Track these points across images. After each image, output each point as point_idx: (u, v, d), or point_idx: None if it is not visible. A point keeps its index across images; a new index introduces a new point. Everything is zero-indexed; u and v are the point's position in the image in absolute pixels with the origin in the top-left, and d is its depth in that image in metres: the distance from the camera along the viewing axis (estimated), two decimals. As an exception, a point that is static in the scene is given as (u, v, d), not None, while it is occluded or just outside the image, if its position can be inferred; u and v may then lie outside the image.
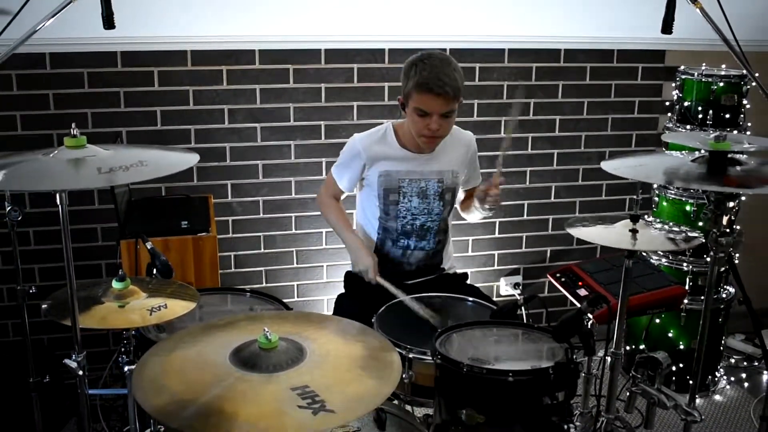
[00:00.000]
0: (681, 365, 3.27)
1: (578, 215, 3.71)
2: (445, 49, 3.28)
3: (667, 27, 1.90)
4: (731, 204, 3.04)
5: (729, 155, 1.86)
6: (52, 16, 1.81)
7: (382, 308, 2.32)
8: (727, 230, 1.75)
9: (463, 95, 2.44)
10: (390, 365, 1.55)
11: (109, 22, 1.85)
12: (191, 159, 1.79)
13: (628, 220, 2.17)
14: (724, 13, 1.93)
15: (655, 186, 3.38)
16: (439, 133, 2.47)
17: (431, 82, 2.35)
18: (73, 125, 1.70)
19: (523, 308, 2.07)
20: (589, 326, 1.79)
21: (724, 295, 3.34)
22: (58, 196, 1.65)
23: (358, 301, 2.59)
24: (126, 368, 1.95)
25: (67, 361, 1.74)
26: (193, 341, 1.67)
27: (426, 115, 2.41)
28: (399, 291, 2.41)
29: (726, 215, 1.76)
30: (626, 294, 2.20)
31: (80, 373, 1.73)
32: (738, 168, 1.93)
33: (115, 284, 1.96)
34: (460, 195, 2.78)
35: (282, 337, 1.56)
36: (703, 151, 2.00)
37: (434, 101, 2.38)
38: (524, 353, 1.97)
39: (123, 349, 2.01)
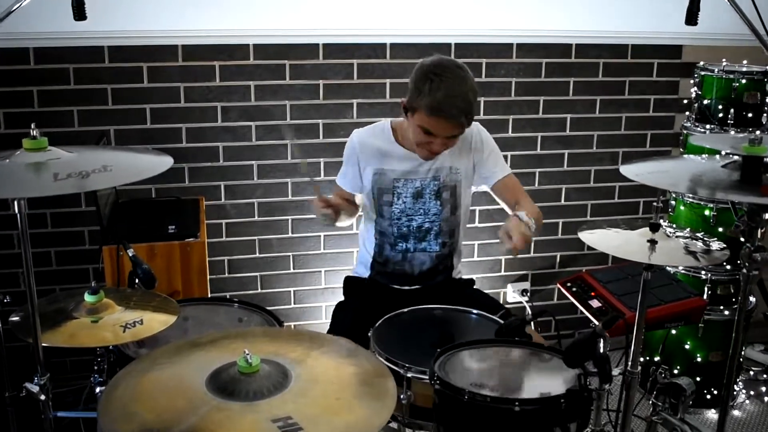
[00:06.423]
0: (698, 378, 3.13)
1: (590, 219, 3.61)
2: (450, 44, 3.23)
3: (691, 17, 1.74)
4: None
5: (766, 160, 1.67)
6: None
7: (380, 321, 2.19)
8: (761, 245, 1.58)
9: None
10: (385, 393, 1.45)
11: (79, 12, 1.69)
12: (162, 163, 1.65)
13: (647, 229, 2.00)
14: (755, 3, 1.77)
15: (672, 188, 3.24)
16: (441, 151, 2.37)
17: (444, 107, 2.21)
18: (32, 125, 1.56)
19: (531, 324, 1.91)
20: (604, 350, 1.63)
21: (744, 305, 3.19)
22: (16, 203, 1.51)
23: (356, 309, 2.49)
24: (97, 389, 1.87)
25: (28, 384, 1.61)
26: (169, 362, 1.58)
27: (430, 134, 2.29)
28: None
29: (761, 228, 1.58)
30: (644, 308, 2.04)
31: (42, 397, 1.60)
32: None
33: (88, 298, 1.85)
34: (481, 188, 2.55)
35: (265, 359, 1.48)
36: (724, 154, 1.82)
37: (444, 125, 2.25)
38: (532, 377, 1.82)
39: (96, 368, 1.87)
